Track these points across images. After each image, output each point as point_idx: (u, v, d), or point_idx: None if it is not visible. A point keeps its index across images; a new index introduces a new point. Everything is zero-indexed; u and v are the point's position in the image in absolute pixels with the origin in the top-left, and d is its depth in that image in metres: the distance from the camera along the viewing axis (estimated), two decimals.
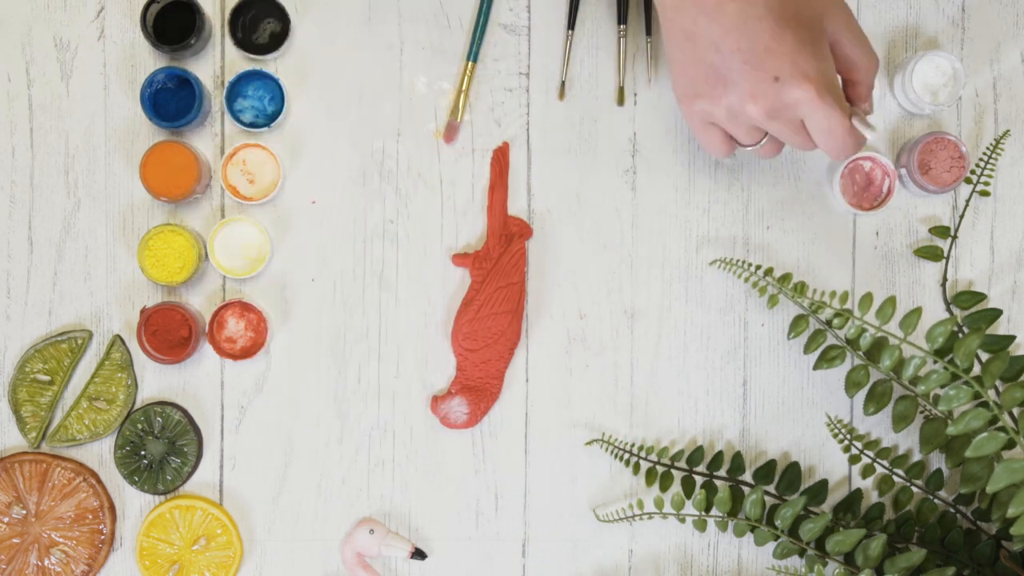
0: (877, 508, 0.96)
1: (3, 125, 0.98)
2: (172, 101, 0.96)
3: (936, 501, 0.96)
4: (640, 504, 0.96)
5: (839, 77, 0.85)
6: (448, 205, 0.98)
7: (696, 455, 0.97)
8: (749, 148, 0.86)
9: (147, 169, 0.95)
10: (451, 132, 0.98)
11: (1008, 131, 0.97)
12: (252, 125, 0.97)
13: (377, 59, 0.98)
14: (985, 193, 0.97)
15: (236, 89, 0.97)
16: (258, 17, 0.98)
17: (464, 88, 0.97)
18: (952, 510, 0.95)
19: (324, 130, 0.98)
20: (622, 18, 0.98)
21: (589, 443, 0.98)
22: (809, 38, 0.80)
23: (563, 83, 0.98)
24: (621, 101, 0.98)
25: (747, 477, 0.98)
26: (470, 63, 0.97)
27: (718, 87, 0.81)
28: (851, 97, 0.86)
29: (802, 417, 0.99)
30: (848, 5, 0.85)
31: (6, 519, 0.97)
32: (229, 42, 0.97)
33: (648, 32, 0.98)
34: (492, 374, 0.97)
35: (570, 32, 0.98)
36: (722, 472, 0.98)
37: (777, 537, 0.93)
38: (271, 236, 0.98)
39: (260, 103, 0.97)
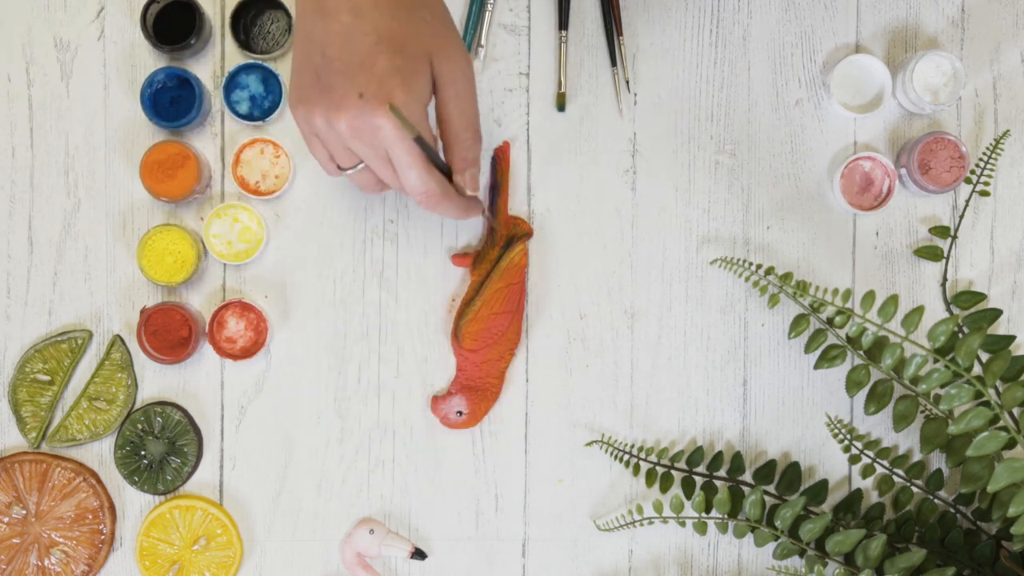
0: (877, 508, 0.96)
1: (3, 125, 0.98)
2: (172, 101, 0.96)
3: (936, 501, 0.96)
4: (639, 509, 0.96)
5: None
6: None
7: (696, 455, 0.97)
8: (348, 172, 0.83)
9: (147, 169, 0.95)
10: None
11: (1008, 131, 0.97)
12: (248, 117, 0.97)
13: None
14: (985, 193, 0.96)
15: (235, 80, 0.96)
16: (259, 17, 0.98)
17: None
18: (952, 510, 0.95)
19: None
20: (606, 17, 0.98)
21: (589, 444, 0.98)
22: (407, 69, 0.78)
23: (562, 93, 0.98)
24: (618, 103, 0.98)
25: (747, 477, 0.98)
26: None
27: (315, 93, 0.79)
28: (450, 162, 0.84)
29: (802, 417, 0.99)
30: (468, 63, 0.81)
31: (6, 519, 0.97)
32: (229, 42, 0.97)
33: (619, 32, 0.98)
34: (492, 374, 0.97)
35: (563, 33, 0.98)
36: (722, 472, 0.98)
37: (777, 538, 0.93)
38: (267, 225, 0.98)
39: (257, 95, 0.97)
